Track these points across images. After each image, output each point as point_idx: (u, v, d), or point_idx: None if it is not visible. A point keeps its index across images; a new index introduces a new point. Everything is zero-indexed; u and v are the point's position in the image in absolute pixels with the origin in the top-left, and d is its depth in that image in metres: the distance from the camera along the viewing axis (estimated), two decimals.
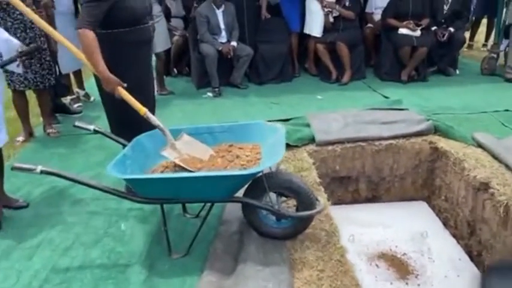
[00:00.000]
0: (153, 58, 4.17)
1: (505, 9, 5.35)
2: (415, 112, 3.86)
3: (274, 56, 5.28)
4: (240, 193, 2.21)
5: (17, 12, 3.46)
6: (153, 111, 2.66)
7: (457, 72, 5.48)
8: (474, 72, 5.50)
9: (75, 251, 2.36)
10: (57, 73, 4.15)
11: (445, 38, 5.17)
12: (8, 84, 3.65)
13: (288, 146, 3.16)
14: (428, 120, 3.63)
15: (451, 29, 5.18)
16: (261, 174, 2.12)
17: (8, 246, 2.43)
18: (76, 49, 2.38)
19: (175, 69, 5.96)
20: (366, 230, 3.18)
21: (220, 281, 2.05)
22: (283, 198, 2.30)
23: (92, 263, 2.27)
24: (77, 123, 2.55)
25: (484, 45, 6.99)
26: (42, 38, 3.69)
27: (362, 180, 3.60)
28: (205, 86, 5.14)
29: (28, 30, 3.57)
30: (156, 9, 4.60)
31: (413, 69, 5.20)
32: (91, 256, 2.32)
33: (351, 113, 3.87)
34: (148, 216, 2.64)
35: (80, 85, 4.95)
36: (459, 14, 5.33)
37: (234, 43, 5.00)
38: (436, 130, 3.55)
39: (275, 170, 2.32)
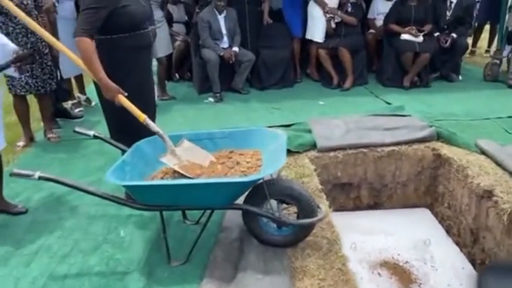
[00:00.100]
0: (154, 63, 4.16)
1: (507, 15, 5.33)
2: (418, 118, 3.84)
3: (276, 61, 5.28)
4: (240, 200, 2.19)
5: None
6: (153, 117, 2.65)
7: (460, 78, 5.46)
8: (477, 78, 5.48)
9: (73, 258, 2.34)
10: (59, 78, 4.15)
11: (447, 44, 5.16)
12: (9, 89, 3.65)
13: (289, 152, 3.14)
14: (431, 126, 3.61)
15: (454, 35, 5.17)
16: (261, 181, 2.10)
17: (6, 252, 2.41)
18: (76, 56, 2.37)
19: (176, 74, 5.97)
20: (367, 237, 3.15)
21: None
22: (284, 206, 2.28)
23: (90, 270, 2.25)
24: (76, 129, 2.54)
25: (487, 51, 6.99)
26: (43, 43, 3.68)
27: (364, 187, 3.57)
28: (206, 91, 5.13)
29: (30, 35, 3.57)
30: (158, 14, 4.61)
31: (416, 75, 5.18)
32: (89, 263, 2.29)
33: (353, 119, 3.84)
34: (148, 223, 2.62)
35: (81, 90, 4.95)
36: (462, 20, 5.32)
37: (235, 48, 4.99)
38: (438, 137, 3.52)
39: (276, 176, 2.30)
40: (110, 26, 2.33)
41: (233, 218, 2.50)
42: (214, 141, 2.47)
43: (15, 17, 3.46)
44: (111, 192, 2.15)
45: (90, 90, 4.67)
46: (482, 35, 7.13)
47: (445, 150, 3.38)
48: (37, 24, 2.50)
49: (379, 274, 2.86)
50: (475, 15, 6.33)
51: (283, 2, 5.43)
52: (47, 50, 3.76)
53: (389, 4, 5.36)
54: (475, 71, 5.80)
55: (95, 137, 2.51)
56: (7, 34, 3.39)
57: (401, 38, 5.08)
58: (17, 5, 2.94)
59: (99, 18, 2.28)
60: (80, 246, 2.43)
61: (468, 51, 6.26)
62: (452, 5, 5.27)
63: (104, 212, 2.74)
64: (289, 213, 2.38)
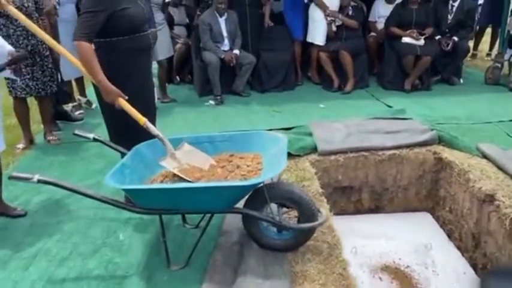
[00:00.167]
0: (154, 65, 4.16)
1: (509, 19, 5.33)
2: (419, 122, 3.83)
3: (277, 64, 5.27)
4: (240, 204, 2.17)
5: None
6: (154, 120, 2.64)
7: (461, 81, 5.45)
8: (478, 81, 5.47)
9: (72, 262, 2.32)
10: (59, 80, 4.15)
11: (449, 47, 5.15)
12: (10, 91, 3.64)
13: (290, 155, 3.13)
14: (432, 130, 3.59)
15: (455, 38, 5.16)
16: (262, 184, 2.08)
17: (5, 255, 2.39)
18: (76, 60, 2.37)
19: (177, 77, 5.96)
20: (368, 241, 3.13)
21: None
22: (285, 209, 2.26)
23: (89, 273, 2.23)
24: (76, 132, 2.54)
25: (488, 54, 6.98)
26: (44, 45, 3.68)
27: (365, 190, 3.56)
28: (207, 93, 5.12)
29: (30, 37, 3.56)
30: (159, 17, 4.61)
31: (417, 79, 5.17)
32: (88, 267, 2.28)
33: (354, 122, 3.83)
34: (148, 226, 2.60)
35: (82, 92, 4.95)
36: (463, 23, 5.32)
37: (236, 51, 4.99)
38: (440, 140, 3.51)
39: (276, 180, 2.28)
40: (109, 28, 2.32)
41: (233, 222, 2.48)
42: (215, 145, 2.46)
43: (16, 19, 3.46)
44: (110, 196, 2.14)
45: (91, 92, 4.66)
46: (484, 38, 7.12)
47: (447, 153, 3.36)
48: (37, 27, 2.49)
49: (380, 278, 2.84)
50: (476, 18, 6.32)
51: (284, 4, 5.43)
52: (47, 52, 3.75)
53: (391, 7, 5.36)
54: (476, 74, 5.79)
55: (95, 139, 2.50)
56: (8, 36, 3.39)
57: (403, 41, 5.08)
58: (17, 8, 2.94)
59: (97, 22, 2.27)
60: (78, 250, 2.42)
61: (469, 54, 6.25)
62: (454, 8, 5.27)
63: (103, 215, 2.73)
64: (290, 217, 2.36)
